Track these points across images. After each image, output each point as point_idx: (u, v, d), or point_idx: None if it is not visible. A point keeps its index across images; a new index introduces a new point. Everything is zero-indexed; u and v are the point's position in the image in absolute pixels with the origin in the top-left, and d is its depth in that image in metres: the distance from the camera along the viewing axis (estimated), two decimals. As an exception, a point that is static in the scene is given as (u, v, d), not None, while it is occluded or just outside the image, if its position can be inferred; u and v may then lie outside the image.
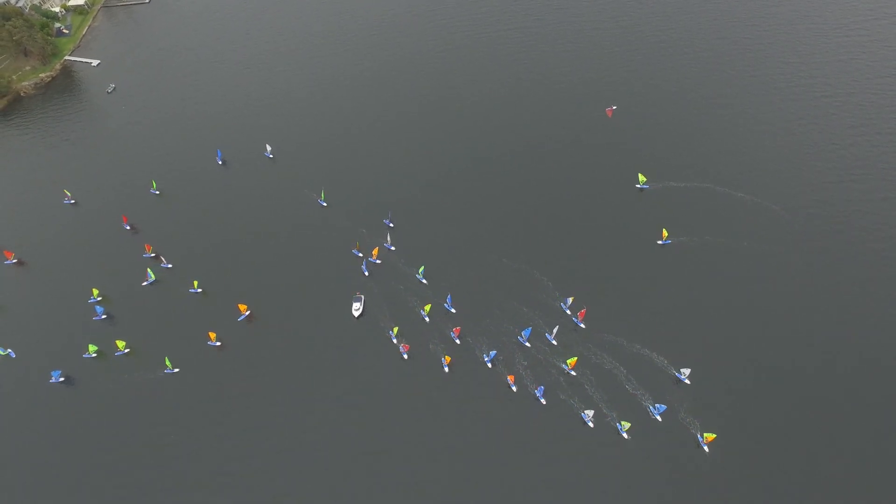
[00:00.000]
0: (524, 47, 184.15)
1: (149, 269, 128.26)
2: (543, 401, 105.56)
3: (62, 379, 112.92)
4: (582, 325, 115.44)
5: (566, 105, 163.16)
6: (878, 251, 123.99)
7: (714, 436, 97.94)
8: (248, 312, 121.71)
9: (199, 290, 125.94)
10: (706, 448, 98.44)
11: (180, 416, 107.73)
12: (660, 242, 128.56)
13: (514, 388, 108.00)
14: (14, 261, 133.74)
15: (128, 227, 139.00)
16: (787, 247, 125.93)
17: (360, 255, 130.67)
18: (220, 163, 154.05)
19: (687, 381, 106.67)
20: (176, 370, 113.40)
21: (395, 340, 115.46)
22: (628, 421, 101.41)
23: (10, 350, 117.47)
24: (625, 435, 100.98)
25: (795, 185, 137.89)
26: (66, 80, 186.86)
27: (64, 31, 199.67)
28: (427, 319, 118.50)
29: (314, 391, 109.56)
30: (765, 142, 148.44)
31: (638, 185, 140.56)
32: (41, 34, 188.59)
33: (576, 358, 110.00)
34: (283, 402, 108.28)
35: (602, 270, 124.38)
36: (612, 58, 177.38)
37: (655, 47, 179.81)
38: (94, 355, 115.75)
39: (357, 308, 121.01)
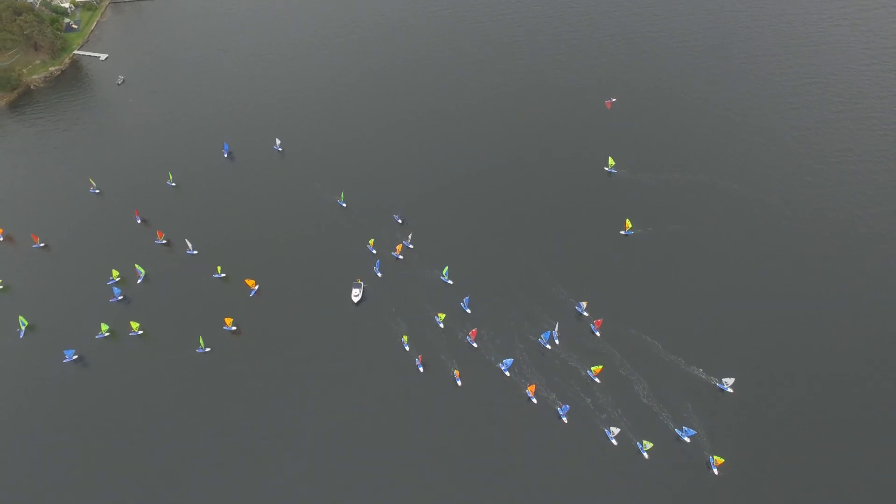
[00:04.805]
0: (528, 44, 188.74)
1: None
2: (566, 419, 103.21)
3: (76, 357, 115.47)
4: (598, 334, 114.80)
5: (566, 97, 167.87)
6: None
7: (723, 460, 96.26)
8: (256, 287, 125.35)
9: (223, 276, 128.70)
10: (716, 470, 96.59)
11: (189, 397, 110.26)
12: (622, 233, 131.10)
13: (534, 401, 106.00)
14: (42, 244, 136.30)
15: (139, 221, 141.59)
16: (796, 243, 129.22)
17: (375, 252, 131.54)
18: (225, 156, 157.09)
19: (730, 391, 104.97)
20: (208, 349, 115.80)
21: (406, 348, 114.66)
22: (650, 440, 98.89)
23: (21, 330, 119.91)
24: (645, 455, 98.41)
25: (794, 179, 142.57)
26: (75, 73, 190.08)
27: (73, 26, 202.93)
28: (441, 326, 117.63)
29: (317, 394, 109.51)
30: (765, 137, 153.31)
31: (606, 169, 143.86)
32: (51, 29, 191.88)
33: (601, 366, 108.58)
34: (286, 399, 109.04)
35: (616, 270, 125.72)
36: (613, 51, 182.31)
37: (656, 41, 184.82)
38: (107, 335, 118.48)
39: (356, 294, 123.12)
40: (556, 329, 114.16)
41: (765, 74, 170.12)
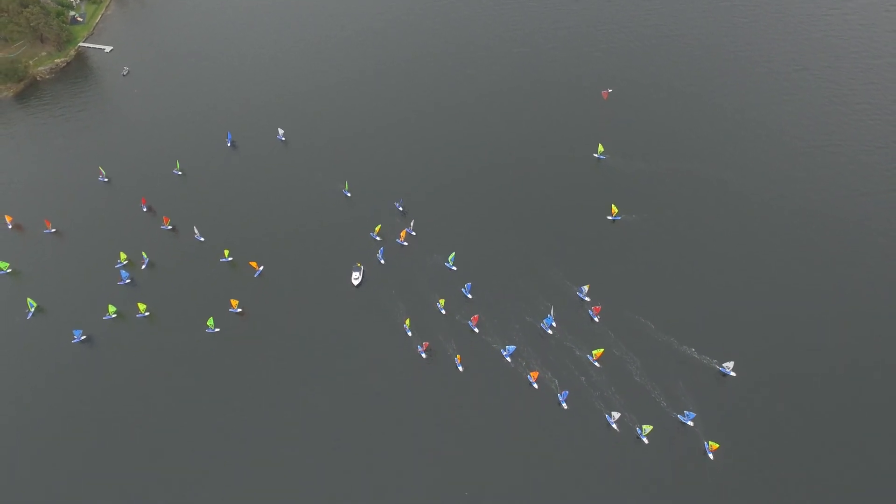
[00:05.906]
0: (527, 36, 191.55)
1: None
2: (565, 405, 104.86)
3: (84, 338, 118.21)
4: (596, 320, 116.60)
5: (563, 88, 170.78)
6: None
7: (717, 445, 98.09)
8: (261, 269, 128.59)
9: (230, 259, 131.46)
10: (711, 455, 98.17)
11: (194, 376, 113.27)
12: (609, 218, 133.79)
13: (535, 386, 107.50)
14: (53, 230, 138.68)
15: (145, 209, 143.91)
16: (791, 232, 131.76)
17: (379, 238, 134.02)
18: (228, 145, 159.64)
19: (732, 374, 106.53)
20: (217, 329, 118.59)
21: (409, 333, 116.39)
22: (650, 424, 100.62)
23: (29, 311, 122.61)
24: (644, 440, 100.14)
25: (788, 170, 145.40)
26: (81, 65, 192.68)
27: (78, 18, 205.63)
28: (443, 312, 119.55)
29: (318, 382, 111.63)
30: (760, 128, 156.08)
31: (596, 155, 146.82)
32: (57, 21, 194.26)
33: (602, 349, 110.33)
34: (289, 382, 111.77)
35: (610, 256, 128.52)
36: (611, 43, 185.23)
37: (654, 34, 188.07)
38: (114, 316, 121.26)
39: (356, 277, 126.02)
40: (552, 312, 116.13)
41: (760, 66, 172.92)
